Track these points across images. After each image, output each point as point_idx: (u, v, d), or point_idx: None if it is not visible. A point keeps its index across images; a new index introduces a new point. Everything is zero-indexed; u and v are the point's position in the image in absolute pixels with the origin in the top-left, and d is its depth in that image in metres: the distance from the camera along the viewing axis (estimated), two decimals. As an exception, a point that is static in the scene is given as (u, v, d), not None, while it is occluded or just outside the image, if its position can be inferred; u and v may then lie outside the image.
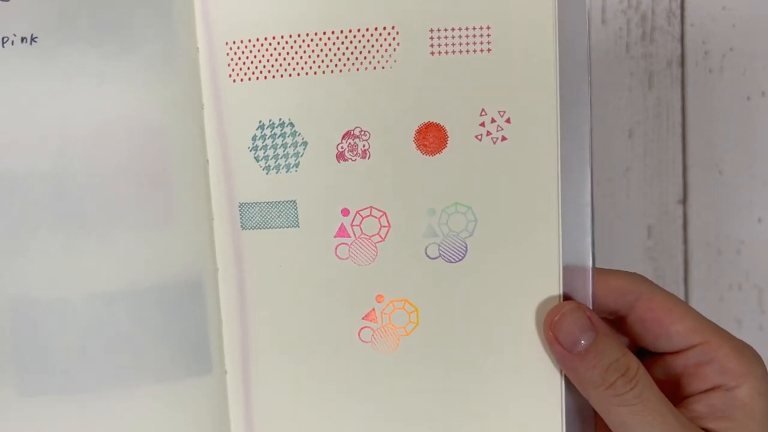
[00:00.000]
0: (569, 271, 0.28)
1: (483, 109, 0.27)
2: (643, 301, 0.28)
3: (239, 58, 0.27)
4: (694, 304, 0.42)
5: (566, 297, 0.28)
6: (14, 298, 0.27)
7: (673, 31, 0.43)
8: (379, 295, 0.28)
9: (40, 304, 0.27)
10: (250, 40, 0.27)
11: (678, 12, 0.43)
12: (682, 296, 0.42)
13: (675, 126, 0.43)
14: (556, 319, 0.27)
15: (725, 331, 0.28)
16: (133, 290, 0.28)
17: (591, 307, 0.28)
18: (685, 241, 0.43)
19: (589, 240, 0.28)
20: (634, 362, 0.26)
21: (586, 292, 0.28)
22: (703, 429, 0.27)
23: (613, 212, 0.42)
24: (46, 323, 0.27)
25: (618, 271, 0.29)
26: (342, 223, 0.28)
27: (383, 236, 0.28)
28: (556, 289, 0.28)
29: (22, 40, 0.26)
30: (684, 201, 0.43)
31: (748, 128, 0.43)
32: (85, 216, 0.27)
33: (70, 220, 0.27)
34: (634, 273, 0.29)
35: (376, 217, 0.28)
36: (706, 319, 0.28)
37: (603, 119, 0.43)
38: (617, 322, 0.29)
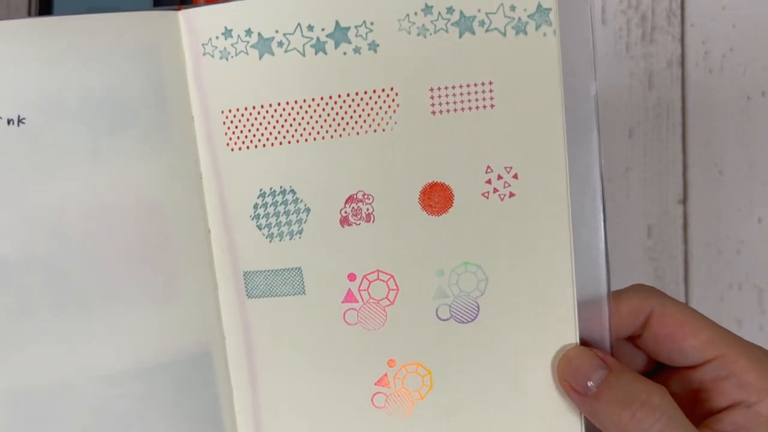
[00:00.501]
0: (585, 316, 0.27)
1: (489, 166, 0.26)
2: (654, 317, 0.28)
3: (236, 127, 0.26)
4: (694, 304, 0.42)
5: (583, 343, 0.27)
6: (12, 389, 0.26)
7: (673, 31, 0.43)
8: (391, 360, 0.28)
9: (41, 392, 0.26)
10: (246, 108, 0.26)
11: (678, 12, 0.43)
12: (682, 296, 0.42)
13: (675, 126, 0.43)
14: (563, 364, 0.27)
15: (743, 340, 0.27)
16: (141, 369, 0.27)
17: (610, 348, 0.27)
18: (685, 241, 0.43)
19: (604, 283, 0.27)
20: (656, 394, 0.25)
21: (604, 335, 0.27)
22: None
23: (613, 212, 0.43)
24: (49, 411, 0.26)
25: (627, 290, 0.28)
26: (349, 289, 0.27)
27: (392, 300, 0.27)
28: (572, 338, 0.27)
29: (8, 122, 0.25)
30: (684, 201, 0.43)
31: (748, 128, 0.43)
32: (86, 297, 0.26)
33: (70, 302, 0.26)
34: (643, 287, 0.29)
35: (383, 281, 0.27)
36: (723, 330, 0.27)
37: (603, 119, 0.43)
38: (632, 338, 0.29)
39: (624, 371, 0.26)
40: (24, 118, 0.25)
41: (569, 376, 0.26)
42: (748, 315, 0.43)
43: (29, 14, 0.41)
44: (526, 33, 0.26)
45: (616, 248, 0.42)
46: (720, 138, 0.43)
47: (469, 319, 0.27)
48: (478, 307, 0.27)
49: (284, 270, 0.27)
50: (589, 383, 0.26)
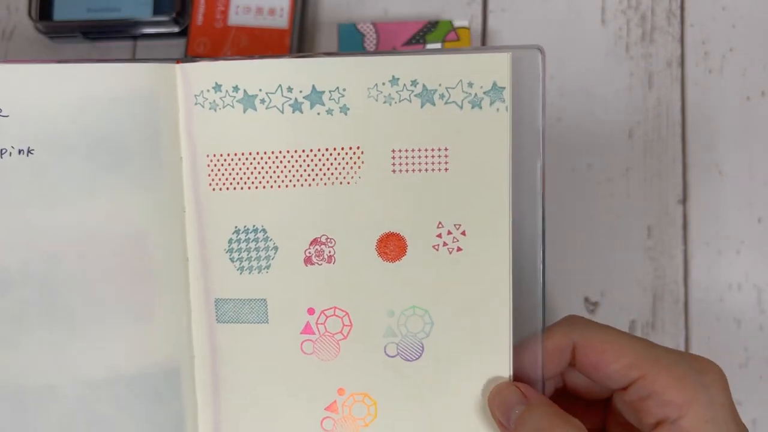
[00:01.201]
0: (521, 355, 0.30)
1: (440, 222, 0.30)
2: (578, 349, 0.29)
3: (219, 169, 0.30)
4: (694, 303, 0.42)
5: (517, 379, 0.30)
6: (2, 386, 0.29)
7: (673, 31, 0.43)
8: (340, 389, 0.30)
9: (27, 391, 0.29)
10: (229, 154, 0.30)
11: (678, 12, 0.44)
12: (681, 296, 0.42)
13: (675, 126, 0.43)
14: (492, 397, 0.29)
15: (667, 356, 0.28)
16: (116, 377, 0.30)
17: (542, 383, 0.29)
18: (685, 241, 0.42)
19: (540, 324, 0.30)
20: (562, 428, 0.27)
21: (536, 372, 0.30)
22: None
23: (613, 212, 0.42)
24: (33, 409, 0.29)
25: (553, 326, 0.30)
26: (308, 321, 0.30)
27: (345, 334, 0.30)
28: (507, 377, 0.30)
29: (19, 152, 0.29)
30: (684, 201, 0.42)
31: (748, 128, 0.43)
32: (73, 310, 0.29)
33: (59, 314, 0.29)
34: (568, 319, 0.30)
35: (339, 317, 0.30)
36: (651, 349, 0.28)
37: (603, 119, 0.43)
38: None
39: (539, 406, 0.28)
40: (33, 150, 0.29)
41: (497, 409, 0.29)
42: (748, 315, 0.42)
43: (29, 14, 0.43)
44: (481, 107, 0.29)
45: (616, 248, 0.42)
46: (720, 138, 0.43)
47: (414, 358, 0.30)
48: (423, 348, 0.30)
49: (251, 300, 0.30)
50: (515, 415, 0.28)
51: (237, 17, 0.42)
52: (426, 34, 0.41)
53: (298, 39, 0.42)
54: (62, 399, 0.30)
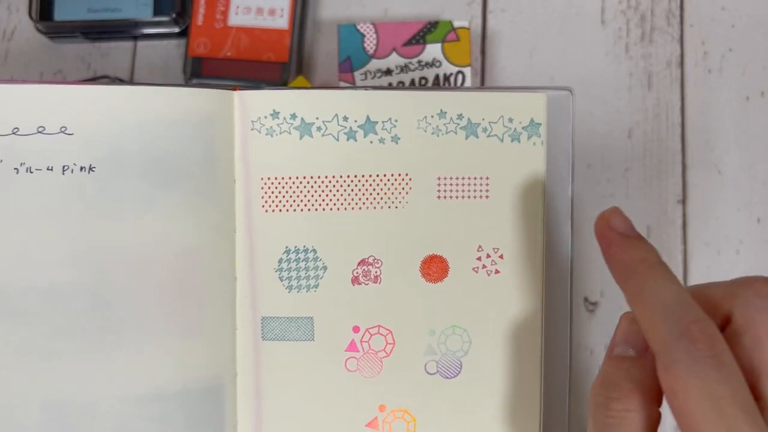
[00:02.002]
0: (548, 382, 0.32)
1: (480, 246, 0.32)
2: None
3: (272, 192, 0.31)
4: None
5: (546, 403, 0.32)
6: (48, 399, 0.29)
7: (672, 31, 0.43)
8: (381, 405, 0.32)
9: (73, 405, 0.30)
10: (283, 178, 0.31)
11: (677, 12, 0.44)
12: None
13: (674, 126, 0.43)
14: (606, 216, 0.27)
15: None
16: (160, 393, 0.30)
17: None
18: (685, 241, 0.42)
19: (567, 349, 0.32)
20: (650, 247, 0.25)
21: (564, 398, 0.32)
22: None
23: None
24: (77, 423, 0.29)
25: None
26: (353, 339, 0.32)
27: (388, 352, 0.32)
28: (537, 399, 0.32)
29: (81, 169, 0.30)
30: (683, 201, 0.42)
31: (747, 128, 0.43)
32: (122, 326, 0.30)
33: (107, 330, 0.30)
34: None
35: (383, 335, 0.32)
36: None
37: (602, 119, 0.43)
38: None
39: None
40: (94, 167, 0.30)
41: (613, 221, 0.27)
42: None
43: (29, 14, 0.43)
44: (519, 141, 0.32)
45: None
46: (719, 138, 0.43)
47: (453, 375, 0.32)
48: (461, 365, 0.32)
49: (298, 318, 0.31)
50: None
51: (237, 17, 0.43)
52: (426, 35, 0.42)
53: (298, 39, 0.43)
54: (105, 414, 0.30)
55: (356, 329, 0.32)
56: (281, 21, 0.43)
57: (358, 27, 0.42)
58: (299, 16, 0.43)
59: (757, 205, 0.43)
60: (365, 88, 0.31)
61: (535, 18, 0.45)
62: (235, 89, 0.31)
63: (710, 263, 0.42)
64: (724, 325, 0.23)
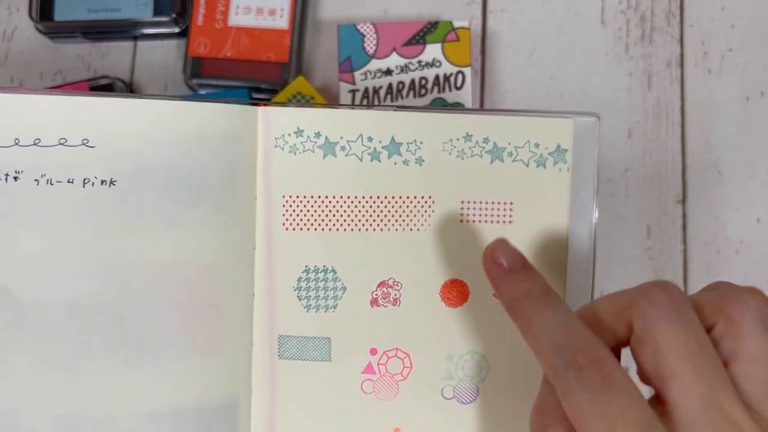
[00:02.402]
0: None
1: (501, 271, 0.31)
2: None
3: (293, 210, 0.31)
4: None
5: None
6: (63, 414, 0.29)
7: (672, 31, 0.43)
8: (396, 428, 0.31)
9: (88, 421, 0.29)
10: (304, 196, 0.31)
11: (677, 12, 0.44)
12: None
13: (674, 126, 0.43)
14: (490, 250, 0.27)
15: None
16: (176, 410, 0.30)
17: None
18: (685, 241, 0.42)
19: None
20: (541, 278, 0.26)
21: None
22: None
23: (613, 212, 0.42)
24: None
25: None
26: (370, 362, 0.31)
27: (405, 376, 0.31)
28: None
29: (102, 183, 0.29)
30: (683, 201, 0.42)
31: (747, 128, 0.43)
32: (140, 343, 0.30)
33: (126, 345, 0.30)
34: None
35: (400, 359, 0.31)
36: None
37: (602, 119, 0.42)
38: None
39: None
40: (115, 181, 0.29)
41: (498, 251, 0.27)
42: None
43: (30, 14, 0.43)
44: (545, 167, 0.31)
45: (615, 248, 0.42)
46: (719, 138, 0.43)
47: (469, 401, 0.31)
48: (478, 391, 0.31)
49: (316, 338, 0.31)
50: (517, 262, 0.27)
51: (237, 18, 0.43)
52: (426, 35, 0.42)
53: (298, 39, 0.43)
54: (120, 430, 0.30)
55: (374, 351, 0.31)
56: (281, 21, 0.42)
57: (358, 27, 0.42)
58: (299, 16, 0.43)
59: (757, 205, 0.43)
60: (392, 108, 0.31)
61: (535, 18, 0.44)
62: (259, 105, 0.31)
63: (710, 263, 0.42)
64: (630, 333, 0.24)
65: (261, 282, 0.31)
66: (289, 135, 0.31)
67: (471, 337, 0.31)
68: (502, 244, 0.28)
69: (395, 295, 0.31)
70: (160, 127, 0.30)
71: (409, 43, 0.42)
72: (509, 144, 0.31)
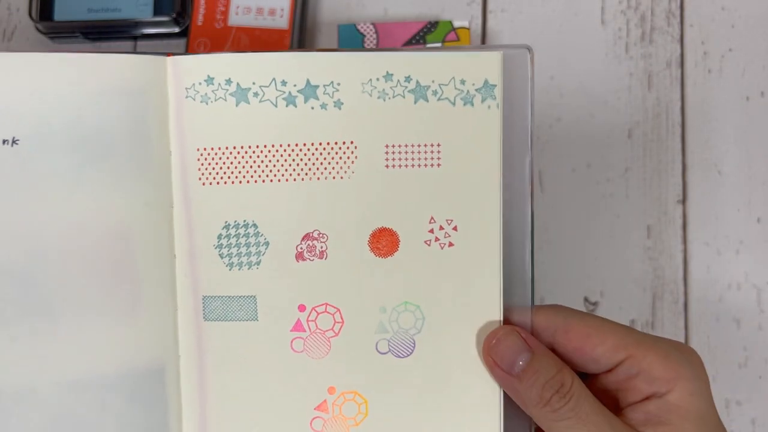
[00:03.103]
0: None
1: (432, 217, 0.30)
2: (560, 333, 0.29)
3: (209, 164, 0.29)
4: (693, 303, 0.42)
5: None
6: None
7: (672, 31, 0.44)
8: (331, 387, 0.30)
9: (5, 395, 0.28)
10: (219, 148, 0.29)
11: (677, 12, 0.44)
12: (681, 296, 0.42)
13: (674, 126, 0.43)
14: (493, 343, 0.29)
15: (651, 338, 0.29)
16: (99, 377, 0.29)
17: None
18: (685, 241, 0.42)
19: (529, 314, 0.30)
20: (568, 378, 0.28)
21: None
22: None
23: (613, 212, 0.42)
24: (10, 412, 0.28)
25: (537, 307, 0.30)
26: (298, 319, 0.30)
27: (337, 331, 0.30)
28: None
29: (3, 142, 0.28)
30: (683, 201, 0.42)
31: (747, 128, 0.43)
32: (54, 308, 0.28)
33: (39, 312, 0.28)
34: (552, 306, 0.30)
35: (330, 314, 0.30)
36: (630, 332, 0.29)
37: (602, 119, 0.43)
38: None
39: (546, 355, 0.28)
40: (18, 140, 0.28)
41: (495, 354, 0.28)
42: (747, 315, 0.43)
43: (30, 14, 0.43)
44: (472, 104, 0.29)
45: (615, 248, 0.42)
46: (719, 138, 0.43)
47: (406, 354, 0.30)
48: (414, 344, 0.30)
49: (240, 297, 0.30)
50: (519, 363, 0.28)
51: (237, 17, 0.43)
52: (426, 35, 0.42)
53: (298, 39, 0.42)
54: (43, 402, 0.29)
55: (302, 308, 0.30)
56: (281, 21, 0.42)
57: (358, 27, 0.42)
58: (299, 16, 0.43)
59: (757, 205, 0.43)
60: (305, 50, 0.29)
61: (535, 18, 0.44)
62: (168, 55, 0.30)
63: (710, 263, 0.42)
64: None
65: (181, 241, 0.30)
66: (200, 84, 0.29)
67: (404, 287, 0.30)
68: (499, 339, 0.29)
69: (321, 247, 0.30)
70: (62, 83, 0.28)
71: (409, 43, 0.42)
72: (433, 82, 0.29)
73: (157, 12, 0.42)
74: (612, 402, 0.30)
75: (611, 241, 0.42)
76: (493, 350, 0.29)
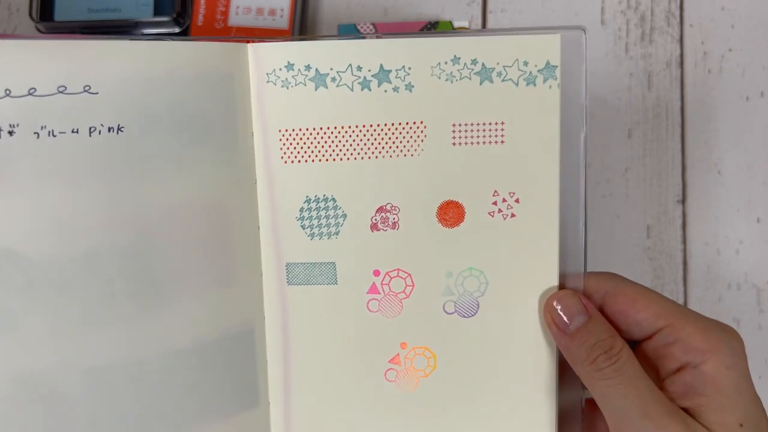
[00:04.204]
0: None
1: (495, 191, 0.32)
2: (609, 296, 0.32)
3: (290, 143, 0.32)
4: (693, 303, 0.43)
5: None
6: (90, 368, 0.29)
7: (672, 31, 0.44)
8: (403, 343, 0.33)
9: (116, 370, 0.30)
10: (300, 129, 0.32)
11: (677, 13, 0.44)
12: (681, 296, 0.43)
13: (674, 126, 0.43)
14: (554, 303, 0.31)
15: (694, 313, 0.30)
16: (200, 344, 0.31)
17: None
18: (684, 241, 0.43)
19: (582, 279, 0.33)
20: (618, 342, 0.30)
21: None
22: (681, 408, 0.29)
23: (613, 212, 0.43)
24: (122, 387, 0.30)
25: (589, 274, 0.32)
26: (374, 282, 0.33)
27: (408, 294, 0.33)
28: (553, 341, 0.33)
29: (109, 130, 0.29)
30: (683, 201, 0.43)
31: (746, 128, 0.43)
32: (159, 285, 0.30)
33: (146, 290, 0.30)
34: (604, 273, 0.32)
35: (402, 278, 0.33)
36: (674, 304, 0.31)
37: (602, 119, 0.43)
38: None
39: (600, 321, 0.30)
40: (123, 128, 0.29)
41: (555, 314, 0.31)
42: (747, 314, 0.43)
43: (30, 15, 0.42)
44: (535, 84, 0.31)
45: (615, 248, 0.43)
46: (719, 138, 0.43)
47: (470, 314, 0.33)
48: (478, 305, 0.33)
49: (321, 263, 0.33)
50: (574, 323, 0.31)
51: (237, 18, 0.43)
52: None
53: None
54: (149, 373, 0.30)
55: (377, 273, 0.33)
56: (281, 21, 0.42)
57: (358, 27, 0.42)
58: (299, 16, 0.43)
59: (757, 205, 0.43)
60: (378, 35, 0.31)
61: (535, 18, 0.44)
62: (248, 41, 0.32)
63: (710, 263, 0.43)
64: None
65: (265, 215, 0.33)
66: (280, 70, 0.31)
67: (469, 254, 0.33)
68: (560, 299, 0.31)
69: (393, 219, 0.32)
70: (160, 69, 0.30)
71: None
72: (498, 64, 0.31)
73: (157, 12, 0.42)
74: (653, 373, 0.31)
75: (611, 241, 0.43)
76: (552, 309, 0.32)
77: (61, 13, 0.43)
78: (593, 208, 0.44)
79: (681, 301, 0.44)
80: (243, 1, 0.43)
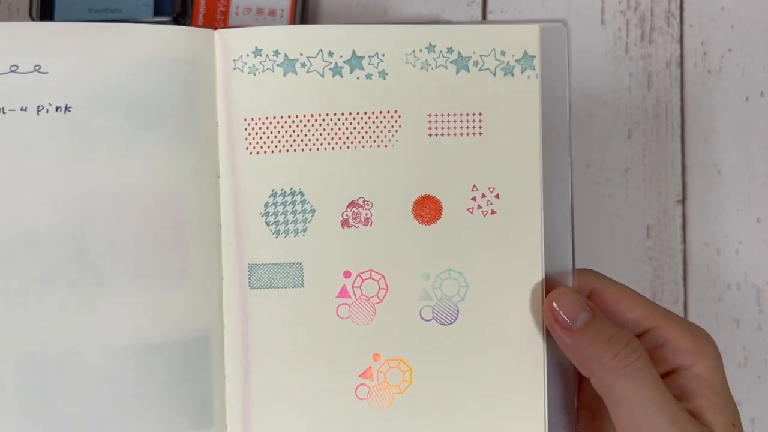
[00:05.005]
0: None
1: (474, 185, 0.30)
2: (595, 294, 0.31)
3: (256, 133, 0.30)
4: (693, 303, 0.43)
5: (551, 345, 0.30)
6: (25, 353, 0.28)
7: (672, 31, 0.44)
8: (376, 354, 0.30)
9: (52, 359, 0.28)
10: (267, 118, 0.30)
11: (677, 13, 0.44)
12: (681, 296, 0.43)
13: (674, 126, 0.43)
14: (554, 300, 0.29)
15: (676, 315, 0.30)
16: (144, 344, 0.29)
17: None
18: (684, 241, 0.42)
19: (570, 278, 0.31)
20: (634, 338, 0.28)
21: None
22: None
23: (612, 212, 0.43)
24: (56, 377, 0.28)
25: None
26: (344, 285, 0.30)
27: (381, 298, 0.30)
28: (540, 344, 0.30)
29: (56, 109, 0.29)
30: (683, 201, 0.42)
31: (746, 128, 0.43)
32: (104, 274, 0.29)
33: (89, 277, 0.29)
34: (585, 270, 0.31)
35: (375, 280, 0.30)
36: (657, 306, 0.30)
37: (602, 120, 0.43)
38: None
39: (602, 318, 0.29)
40: (70, 107, 0.29)
41: (557, 312, 0.29)
42: (747, 314, 0.43)
43: (30, 15, 0.43)
44: (513, 75, 0.30)
45: (615, 248, 0.42)
46: (719, 138, 0.43)
47: (449, 322, 0.30)
48: (458, 311, 0.30)
49: (287, 264, 0.30)
50: (579, 319, 0.28)
51: (237, 18, 0.42)
52: None
53: None
54: (86, 367, 0.29)
55: (347, 274, 0.30)
56: (281, 21, 0.42)
57: None
58: (299, 17, 0.43)
59: (757, 205, 0.43)
60: (351, 23, 0.30)
61: (534, 18, 0.44)
62: (215, 28, 0.30)
63: (710, 263, 0.42)
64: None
65: (227, 210, 0.30)
66: (248, 56, 0.30)
67: (447, 254, 0.30)
68: (559, 297, 0.29)
69: (366, 214, 0.30)
70: (114, 51, 0.29)
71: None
72: (474, 53, 0.30)
73: (157, 12, 0.42)
74: None
75: (611, 241, 0.43)
76: (553, 309, 0.29)
77: (61, 13, 0.43)
78: (593, 208, 0.43)
79: (681, 301, 0.43)
80: (243, 1, 0.42)
